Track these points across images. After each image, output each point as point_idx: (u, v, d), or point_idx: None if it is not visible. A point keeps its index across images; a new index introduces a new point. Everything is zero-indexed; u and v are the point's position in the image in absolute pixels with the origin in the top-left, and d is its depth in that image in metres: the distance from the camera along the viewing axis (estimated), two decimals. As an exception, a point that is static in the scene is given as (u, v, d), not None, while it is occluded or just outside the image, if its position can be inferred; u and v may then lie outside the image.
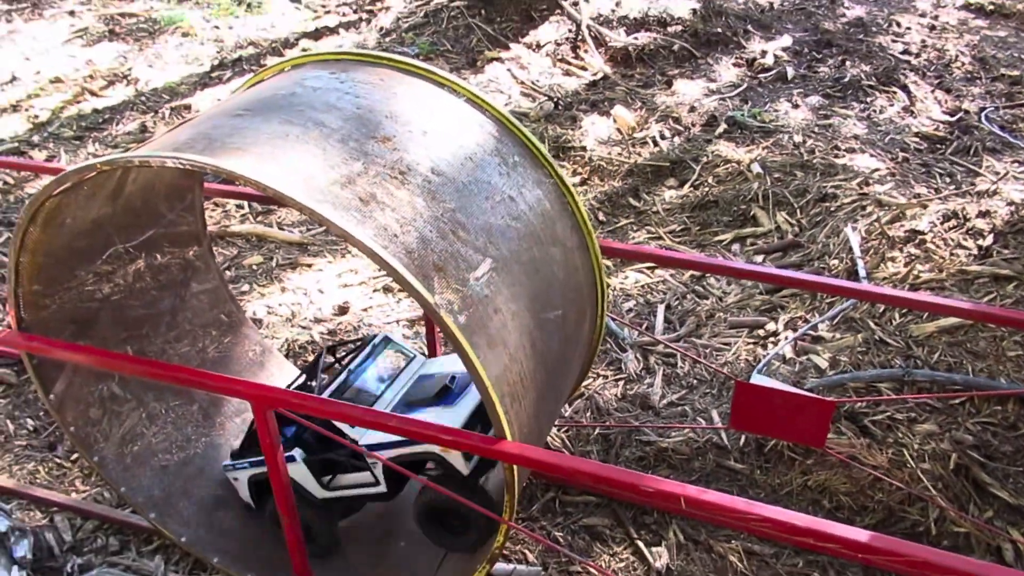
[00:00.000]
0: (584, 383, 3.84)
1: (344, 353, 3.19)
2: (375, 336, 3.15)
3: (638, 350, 4.02)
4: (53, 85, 6.81)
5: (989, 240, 3.96)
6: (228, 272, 4.70)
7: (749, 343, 4.00)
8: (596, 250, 2.86)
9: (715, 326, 4.16)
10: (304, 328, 4.27)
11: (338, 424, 2.71)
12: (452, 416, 2.69)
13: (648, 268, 4.64)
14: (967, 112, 6.12)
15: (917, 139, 5.79)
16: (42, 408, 3.78)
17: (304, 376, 3.04)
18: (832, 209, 4.76)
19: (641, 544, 3.16)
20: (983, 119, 6.02)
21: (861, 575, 3.03)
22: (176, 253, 3.30)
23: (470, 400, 2.76)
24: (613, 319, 4.19)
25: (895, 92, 6.42)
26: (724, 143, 5.80)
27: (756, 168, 5.30)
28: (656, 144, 5.83)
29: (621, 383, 3.83)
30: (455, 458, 2.65)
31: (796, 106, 6.37)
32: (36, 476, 3.49)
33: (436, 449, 2.63)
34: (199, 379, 2.66)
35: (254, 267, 4.78)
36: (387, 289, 4.56)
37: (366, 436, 2.75)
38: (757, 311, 4.22)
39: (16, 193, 5.43)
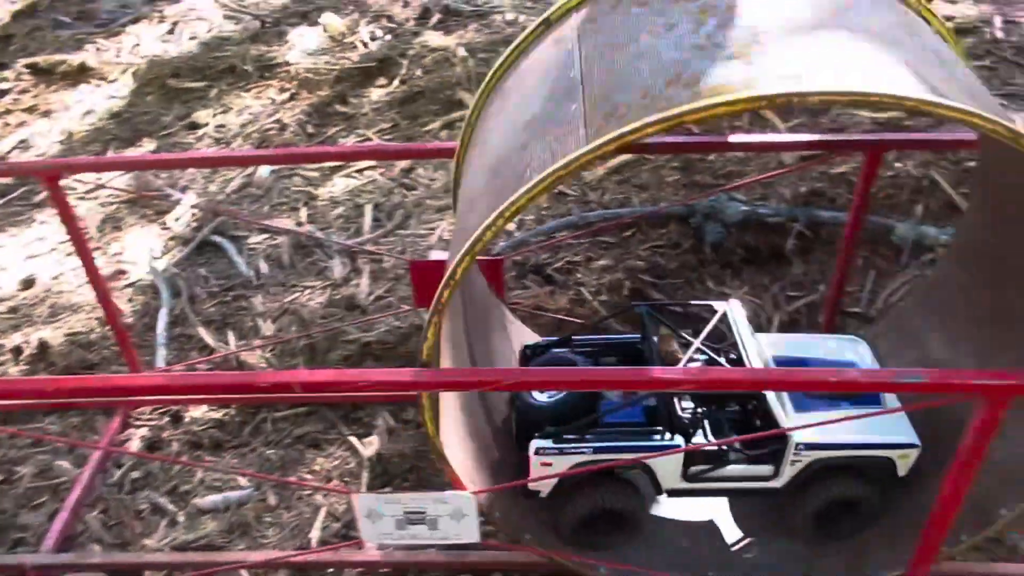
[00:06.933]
0: (288, 298, 3.77)
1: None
2: (715, 307, 2.65)
3: (345, 255, 3.97)
4: None
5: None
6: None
7: (452, 224, 4.03)
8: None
9: (423, 214, 4.17)
10: (-9, 311, 3.94)
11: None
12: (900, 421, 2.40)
13: (357, 171, 4.56)
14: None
15: None
16: None
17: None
18: (530, 77, 4.81)
19: (354, 439, 3.18)
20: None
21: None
22: None
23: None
24: (320, 230, 4.12)
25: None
26: (434, 33, 5.70)
27: (461, 52, 5.25)
28: (365, 46, 5.66)
29: (328, 291, 3.79)
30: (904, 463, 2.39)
31: (509, -16, 6.34)
32: None
33: (895, 456, 2.36)
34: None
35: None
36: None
37: (801, 432, 2.29)
38: (462, 191, 4.25)
39: None
